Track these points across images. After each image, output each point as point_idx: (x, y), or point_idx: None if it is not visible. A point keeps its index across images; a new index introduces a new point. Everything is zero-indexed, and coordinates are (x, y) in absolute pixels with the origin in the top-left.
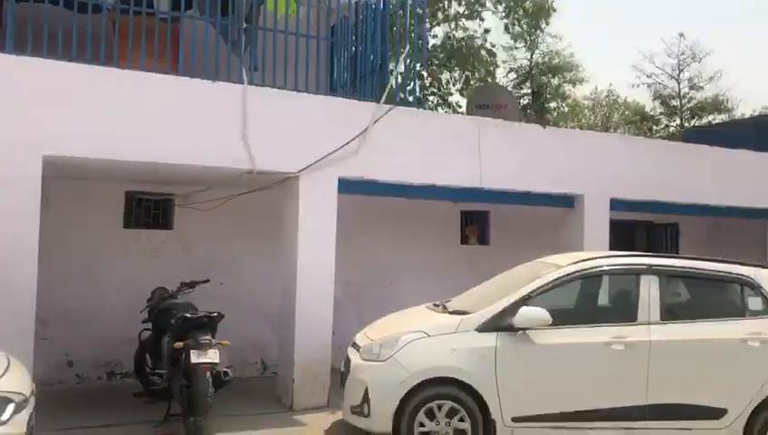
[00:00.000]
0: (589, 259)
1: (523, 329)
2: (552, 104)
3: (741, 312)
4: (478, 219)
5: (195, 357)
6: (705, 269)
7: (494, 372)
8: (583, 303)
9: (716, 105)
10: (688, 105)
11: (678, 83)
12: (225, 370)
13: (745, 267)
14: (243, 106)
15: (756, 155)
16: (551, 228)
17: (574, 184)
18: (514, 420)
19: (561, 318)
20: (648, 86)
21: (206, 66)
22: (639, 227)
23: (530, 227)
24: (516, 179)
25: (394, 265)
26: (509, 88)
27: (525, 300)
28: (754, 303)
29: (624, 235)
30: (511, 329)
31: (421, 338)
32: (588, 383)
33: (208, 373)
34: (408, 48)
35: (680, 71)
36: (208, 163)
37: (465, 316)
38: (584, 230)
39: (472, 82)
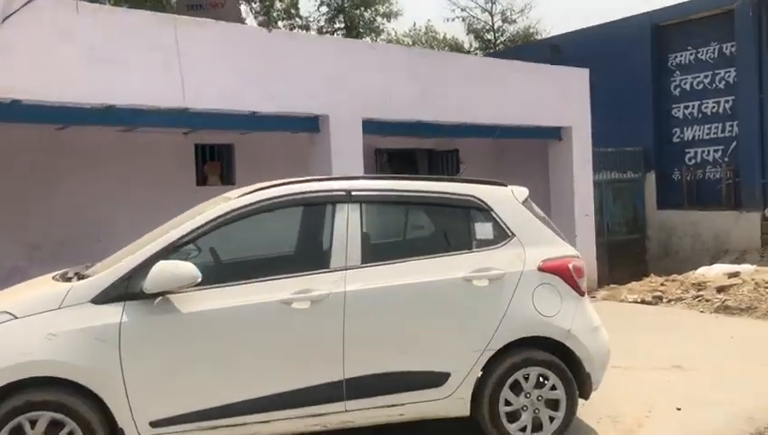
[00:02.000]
0: (264, 188)
1: (162, 293)
2: (367, 39)
3: (468, 243)
4: (220, 154)
5: None
6: (422, 191)
7: (118, 361)
8: (258, 249)
9: (527, 38)
10: (502, 39)
11: (492, 16)
12: None
13: (474, 186)
14: None
15: (532, 67)
16: (302, 158)
17: (315, 103)
18: (154, 424)
19: (226, 273)
20: (463, 20)
21: None
22: (420, 156)
23: (283, 158)
24: (236, 98)
25: (103, 217)
26: (321, 23)
27: (169, 251)
28: (483, 230)
29: (404, 165)
30: (143, 295)
31: (6, 322)
32: (260, 360)
33: None
34: None
35: (492, 3)
36: None
37: (77, 283)
38: (331, 157)
39: (275, 15)
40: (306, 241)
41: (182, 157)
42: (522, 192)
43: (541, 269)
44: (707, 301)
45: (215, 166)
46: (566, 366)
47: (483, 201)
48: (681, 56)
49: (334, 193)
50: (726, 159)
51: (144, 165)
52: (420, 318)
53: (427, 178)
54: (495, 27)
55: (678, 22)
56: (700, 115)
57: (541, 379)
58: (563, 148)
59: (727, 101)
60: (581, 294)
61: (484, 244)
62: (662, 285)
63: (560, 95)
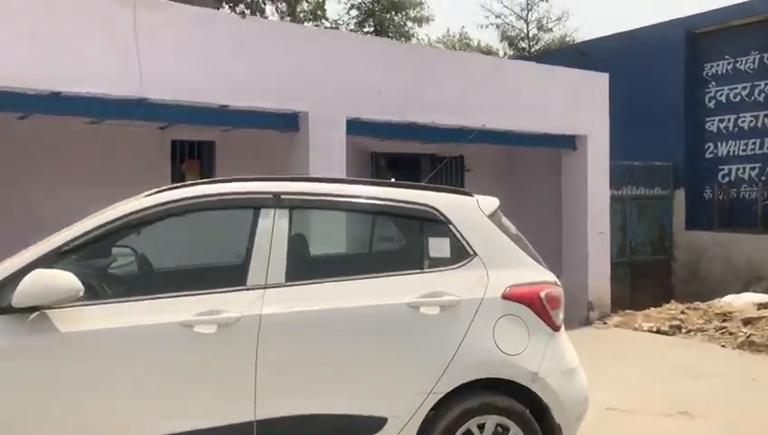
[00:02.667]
0: (175, 187)
1: (37, 308)
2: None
3: (418, 262)
4: (200, 151)
5: None
6: (366, 198)
7: None
8: (164, 260)
9: (563, 47)
10: (536, 47)
11: (527, 24)
12: None
13: (432, 194)
14: None
15: (544, 69)
16: (283, 158)
17: (293, 99)
18: None
19: (121, 287)
20: (497, 27)
21: None
22: (423, 162)
23: (269, 157)
24: (203, 90)
25: (63, 218)
26: (350, 27)
27: (51, 259)
28: (439, 247)
29: (404, 171)
30: (12, 310)
31: None
32: (149, 395)
33: None
34: None
35: (528, 11)
36: None
37: None
38: (309, 158)
39: (302, 15)
40: (221, 252)
41: (157, 153)
42: (490, 203)
43: (506, 297)
44: (731, 334)
45: (193, 164)
46: (531, 415)
47: (440, 212)
48: (718, 66)
49: (259, 196)
50: (764, 178)
51: (113, 161)
52: (352, 351)
53: (376, 183)
54: (531, 35)
55: (716, 29)
56: (736, 129)
57: (499, 429)
58: (577, 158)
59: (766, 115)
60: (556, 328)
61: (439, 263)
62: (682, 313)
63: (575, 101)
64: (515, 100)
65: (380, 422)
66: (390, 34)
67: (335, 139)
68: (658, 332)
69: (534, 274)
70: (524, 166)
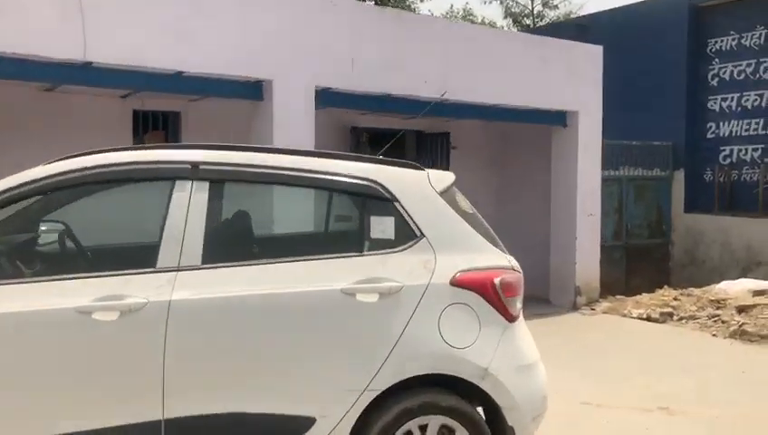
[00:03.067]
0: (76, 156)
1: None
2: None
3: (357, 244)
4: (165, 122)
5: None
6: (302, 170)
7: None
8: (62, 237)
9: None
10: (540, 23)
11: (531, 0)
12: None
13: (377, 167)
14: None
15: (535, 40)
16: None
17: (255, 65)
18: None
19: (9, 267)
20: (501, 2)
21: None
22: (409, 138)
23: (240, 129)
24: (156, 54)
25: None
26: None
27: None
28: (381, 227)
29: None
30: None
31: None
32: (40, 390)
33: None
34: None
35: None
36: None
37: None
38: (272, 130)
39: None
40: (128, 229)
41: (118, 124)
42: (442, 179)
43: (454, 283)
44: (724, 322)
45: (157, 136)
46: (480, 416)
47: (385, 188)
48: (722, 41)
49: (174, 166)
50: (766, 160)
51: (71, 132)
52: (276, 343)
53: (315, 154)
54: (535, 12)
55: (721, 3)
56: (739, 109)
57: (444, 431)
58: (568, 135)
59: None
60: (511, 319)
61: (381, 245)
62: (675, 299)
63: (567, 75)
64: (503, 72)
65: (307, 423)
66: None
67: (303, 110)
68: (648, 319)
69: (489, 258)
70: (517, 144)
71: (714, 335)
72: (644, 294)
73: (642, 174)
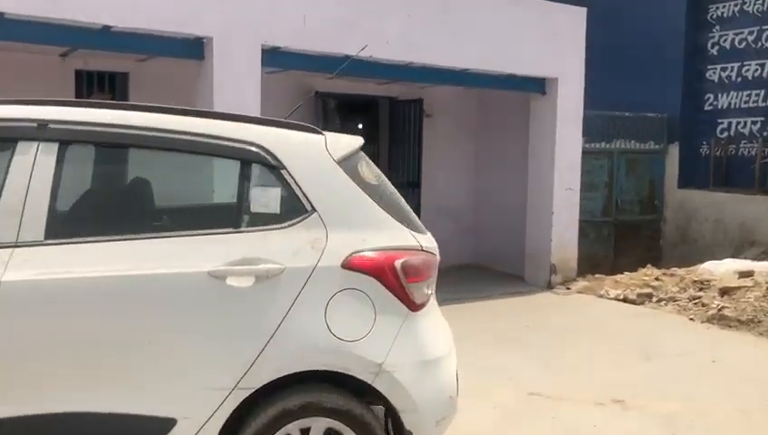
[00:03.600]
0: None
1: None
2: None
3: (234, 218)
4: (113, 84)
5: None
6: (171, 131)
7: None
8: None
9: None
10: None
11: None
12: None
13: (262, 129)
14: None
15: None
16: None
17: (194, 20)
18: None
19: None
20: None
21: None
22: (382, 105)
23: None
24: (77, 5)
25: None
26: None
27: None
28: (264, 198)
29: (358, 116)
30: None
31: None
32: None
33: None
34: None
35: None
36: None
37: None
38: (213, 92)
39: None
40: None
41: (57, 85)
42: (343, 144)
43: (347, 266)
44: (704, 306)
45: (103, 98)
46: (374, 418)
47: (270, 153)
48: (724, 7)
49: (17, 124)
50: (765, 134)
51: (2, 93)
52: (128, 332)
53: (190, 113)
54: None
55: None
56: (739, 79)
57: None
58: (546, 104)
59: None
60: (415, 307)
61: (263, 220)
62: (657, 279)
63: (545, 38)
64: (474, 34)
65: (166, 425)
66: None
67: (246, 71)
68: (625, 300)
69: (392, 236)
70: (495, 112)
71: (691, 319)
72: (625, 273)
73: (635, 147)
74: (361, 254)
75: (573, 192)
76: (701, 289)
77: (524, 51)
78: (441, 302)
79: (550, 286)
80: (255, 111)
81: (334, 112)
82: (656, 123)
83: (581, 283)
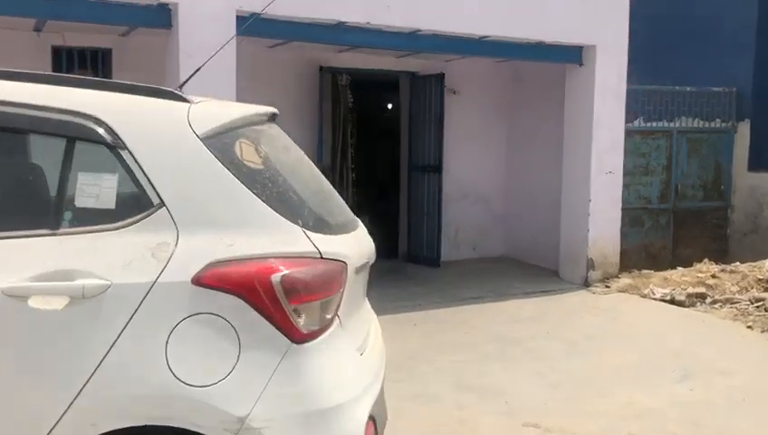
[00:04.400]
0: None
1: None
2: None
3: (50, 215)
4: (94, 61)
5: None
6: None
7: None
8: None
9: None
10: None
11: None
12: None
13: (90, 94)
14: None
15: None
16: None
17: None
18: None
19: None
20: None
21: None
22: (403, 82)
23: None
24: None
25: None
26: None
27: None
28: (94, 188)
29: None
30: None
31: None
32: None
33: None
34: None
35: None
36: None
37: None
38: (179, 64)
39: None
40: None
41: (34, 62)
42: (215, 116)
43: (200, 282)
44: (767, 311)
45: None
46: None
47: (107, 126)
48: None
49: None
50: None
51: None
52: None
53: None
54: None
55: None
56: None
57: None
58: (584, 76)
59: None
60: (300, 337)
61: (91, 219)
62: (713, 276)
63: (584, 1)
64: None
65: None
66: None
67: (219, 41)
68: (672, 301)
69: (274, 239)
70: (530, 88)
71: (749, 327)
72: (679, 268)
73: (698, 126)
74: (222, 265)
75: (615, 176)
76: (766, 290)
77: (554, 13)
78: (456, 301)
79: (586, 284)
80: (230, 87)
81: (346, 89)
82: (723, 98)
83: (624, 280)
